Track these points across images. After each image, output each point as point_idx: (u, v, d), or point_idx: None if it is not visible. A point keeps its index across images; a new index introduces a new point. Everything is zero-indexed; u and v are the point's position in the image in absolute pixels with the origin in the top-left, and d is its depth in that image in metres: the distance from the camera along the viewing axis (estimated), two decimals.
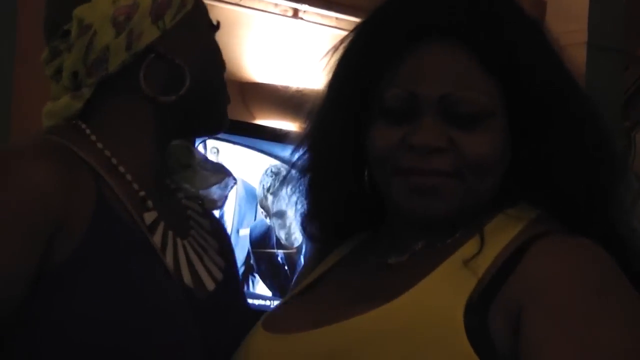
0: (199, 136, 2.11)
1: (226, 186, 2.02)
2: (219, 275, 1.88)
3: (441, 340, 1.57)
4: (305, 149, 1.82)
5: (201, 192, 2.00)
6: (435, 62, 1.65)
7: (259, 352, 1.72)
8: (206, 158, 2.04)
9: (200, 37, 1.90)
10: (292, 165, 1.83)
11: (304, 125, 1.84)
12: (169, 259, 1.80)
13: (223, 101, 1.92)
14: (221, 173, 2.01)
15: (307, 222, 1.83)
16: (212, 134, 2.04)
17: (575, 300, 1.58)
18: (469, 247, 1.65)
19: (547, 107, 1.67)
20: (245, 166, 5.71)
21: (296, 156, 1.83)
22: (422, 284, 1.62)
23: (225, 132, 2.06)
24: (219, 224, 2.07)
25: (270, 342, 1.72)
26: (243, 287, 1.81)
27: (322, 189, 1.78)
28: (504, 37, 1.64)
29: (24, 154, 1.78)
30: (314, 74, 1.85)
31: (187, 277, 1.83)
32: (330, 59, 1.76)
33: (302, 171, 1.81)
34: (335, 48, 1.77)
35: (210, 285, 1.87)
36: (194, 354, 1.78)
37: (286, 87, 5.53)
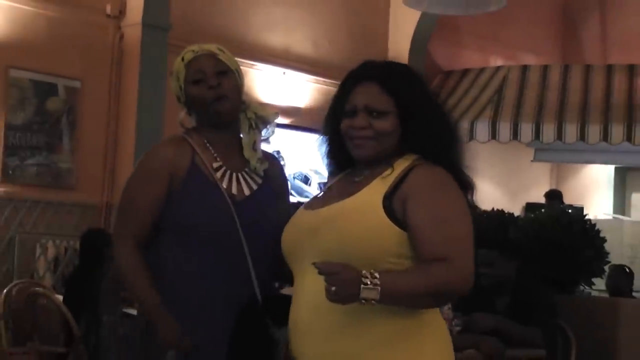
0: (213, 124, 2.78)
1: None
2: (255, 187, 2.73)
3: (372, 215, 2.34)
4: (324, 133, 2.62)
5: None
6: (364, 91, 2.47)
7: (297, 219, 2.55)
8: (263, 152, 2.83)
9: (189, 92, 2.75)
10: (320, 141, 2.60)
11: (324, 124, 2.61)
12: (224, 185, 2.68)
13: (212, 114, 2.73)
14: (265, 161, 2.81)
15: (327, 164, 2.64)
16: (215, 124, 2.76)
17: (431, 191, 2.37)
18: (386, 172, 2.43)
19: (413, 109, 2.46)
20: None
21: (321, 137, 2.62)
22: (364, 189, 2.42)
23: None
24: (273, 164, 2.86)
25: (303, 214, 2.54)
26: (274, 196, 2.82)
27: (332, 149, 2.60)
28: (393, 81, 2.45)
29: (161, 143, 2.76)
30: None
31: (234, 189, 2.68)
32: (333, 96, 2.57)
33: (323, 144, 2.62)
34: (335, 92, 2.57)
35: (247, 192, 2.71)
36: (235, 231, 2.63)
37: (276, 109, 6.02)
